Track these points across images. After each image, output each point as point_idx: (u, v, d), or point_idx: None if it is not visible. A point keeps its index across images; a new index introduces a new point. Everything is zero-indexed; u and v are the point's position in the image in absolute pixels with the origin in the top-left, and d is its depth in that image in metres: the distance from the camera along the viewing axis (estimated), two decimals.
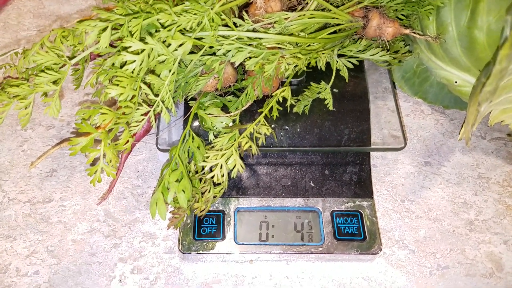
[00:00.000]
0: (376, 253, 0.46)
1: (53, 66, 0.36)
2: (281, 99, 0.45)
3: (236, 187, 0.49)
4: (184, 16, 0.37)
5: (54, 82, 0.36)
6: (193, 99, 0.47)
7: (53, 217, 0.49)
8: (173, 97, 0.43)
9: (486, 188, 0.54)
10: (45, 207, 0.49)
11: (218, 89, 0.45)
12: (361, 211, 0.48)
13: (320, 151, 0.49)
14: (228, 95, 0.48)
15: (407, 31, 0.48)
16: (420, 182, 0.54)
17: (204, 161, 0.40)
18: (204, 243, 0.45)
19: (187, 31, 0.40)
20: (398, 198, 0.53)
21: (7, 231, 0.47)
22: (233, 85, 0.47)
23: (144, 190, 0.51)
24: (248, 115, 0.49)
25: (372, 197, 0.49)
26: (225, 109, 0.47)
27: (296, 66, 0.44)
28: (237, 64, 0.42)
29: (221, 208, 0.47)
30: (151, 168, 0.53)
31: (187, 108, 0.48)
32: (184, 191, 0.37)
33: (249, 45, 0.42)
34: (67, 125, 0.56)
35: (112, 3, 0.39)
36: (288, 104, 0.45)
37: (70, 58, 0.40)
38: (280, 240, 0.46)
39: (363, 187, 0.50)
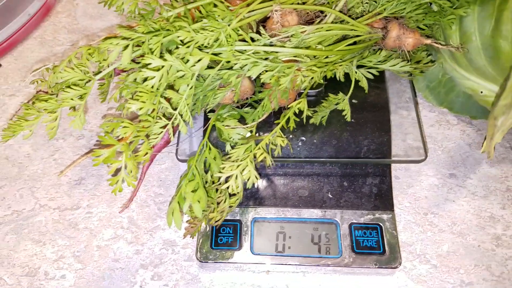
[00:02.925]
0: (395, 267, 0.45)
1: (79, 82, 0.38)
2: (297, 111, 0.46)
3: (253, 197, 0.49)
4: (201, 33, 0.38)
5: (80, 97, 0.38)
6: (212, 111, 0.48)
7: (80, 223, 0.51)
8: (192, 110, 0.45)
9: None
10: (73, 214, 0.52)
11: (235, 101, 0.46)
12: (381, 224, 0.48)
13: (338, 162, 0.49)
14: (245, 107, 0.49)
15: (428, 41, 0.47)
16: (444, 194, 0.53)
17: (219, 171, 0.41)
18: (222, 252, 0.46)
19: (205, 47, 0.41)
20: (420, 211, 0.52)
21: (37, 236, 0.50)
22: (251, 97, 0.48)
23: (165, 198, 0.53)
24: (265, 126, 0.49)
25: (393, 210, 0.49)
26: (242, 120, 0.48)
27: (312, 78, 0.44)
28: (253, 77, 0.43)
29: (238, 218, 0.48)
30: (172, 177, 0.55)
31: (206, 119, 0.49)
32: (199, 201, 0.38)
33: (266, 59, 0.43)
34: (96, 135, 0.59)
35: (135, 22, 0.41)
36: (304, 115, 0.46)
37: (96, 74, 0.42)
38: (297, 252, 0.46)
39: (383, 199, 0.49)
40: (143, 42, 0.37)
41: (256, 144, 0.45)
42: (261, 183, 0.50)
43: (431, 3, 0.49)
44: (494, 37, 0.45)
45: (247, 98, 0.48)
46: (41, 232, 0.50)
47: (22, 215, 0.52)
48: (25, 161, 0.56)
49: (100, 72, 0.41)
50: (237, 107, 0.49)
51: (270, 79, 0.43)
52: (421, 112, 0.60)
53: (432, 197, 0.53)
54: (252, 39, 0.43)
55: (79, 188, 0.54)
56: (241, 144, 0.45)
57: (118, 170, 0.39)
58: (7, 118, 0.61)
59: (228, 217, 0.48)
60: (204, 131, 0.47)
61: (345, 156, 0.48)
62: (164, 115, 0.39)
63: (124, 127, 0.36)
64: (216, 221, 0.42)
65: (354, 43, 0.47)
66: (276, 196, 0.49)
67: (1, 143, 0.40)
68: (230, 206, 0.43)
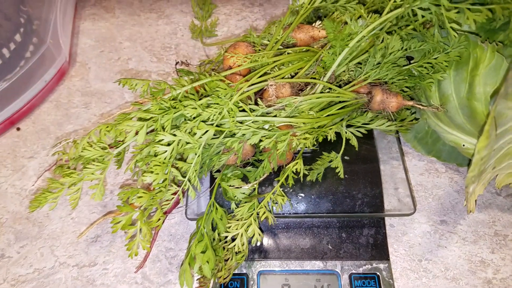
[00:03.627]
0: None
1: (99, 158, 0.43)
2: (295, 170, 0.50)
3: (258, 250, 0.53)
4: (206, 111, 0.43)
5: (100, 172, 0.43)
6: (218, 171, 0.53)
7: (97, 279, 0.55)
8: (199, 173, 0.49)
9: (503, 246, 0.55)
10: (91, 270, 0.55)
11: (238, 163, 0.50)
12: (378, 274, 0.51)
13: (334, 217, 0.53)
14: (248, 166, 0.54)
15: (410, 103, 0.52)
16: (436, 241, 0.56)
17: (226, 231, 0.45)
18: None
19: (209, 119, 0.46)
20: (415, 257, 0.55)
21: None
22: (252, 157, 0.53)
23: (176, 253, 0.56)
24: (267, 183, 0.54)
25: (388, 259, 0.52)
26: (245, 178, 0.52)
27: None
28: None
29: (244, 271, 0.51)
30: (182, 231, 0.58)
31: (212, 179, 0.54)
32: (208, 262, 0.42)
33: (263, 127, 0.48)
34: (110, 193, 0.63)
35: (145, 98, 0.46)
36: (301, 175, 0.50)
37: (113, 146, 0.47)
38: None
39: (379, 249, 0.53)
40: (155, 121, 0.42)
41: (259, 202, 0.49)
42: (265, 237, 0.54)
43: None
44: (469, 99, 0.50)
45: (248, 159, 0.53)
46: None
47: (43, 273, 0.55)
48: (45, 220, 0.60)
49: (117, 146, 0.46)
50: (240, 166, 0.54)
51: (268, 145, 0.48)
52: (411, 161, 0.64)
53: (425, 243, 0.56)
54: (251, 110, 0.49)
55: (96, 245, 0.58)
56: (245, 202, 0.49)
57: (133, 236, 0.43)
58: (27, 180, 0.65)
59: (235, 271, 0.51)
60: (211, 192, 0.51)
61: (341, 210, 0.52)
62: (174, 182, 0.44)
63: (140, 196, 0.41)
64: (224, 278, 0.46)
65: (343, 107, 0.52)
66: (280, 248, 0.53)
67: (29, 211, 0.44)
68: (237, 263, 0.47)
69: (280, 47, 0.59)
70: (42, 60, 0.75)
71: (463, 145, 0.55)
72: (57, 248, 0.58)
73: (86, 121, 0.73)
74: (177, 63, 0.57)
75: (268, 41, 0.60)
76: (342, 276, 0.51)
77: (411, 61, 0.55)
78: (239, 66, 0.52)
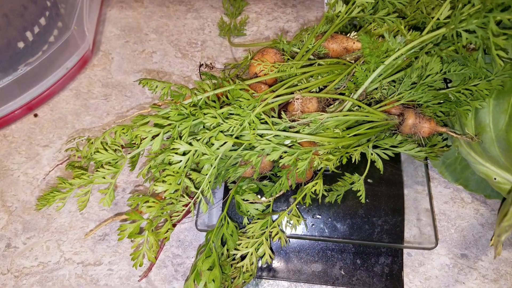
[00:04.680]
0: None
1: (111, 161, 0.41)
2: (313, 191, 0.48)
3: (267, 269, 0.51)
4: (226, 122, 0.41)
5: (112, 176, 0.41)
6: (233, 182, 0.51)
7: (101, 279, 0.54)
8: (213, 183, 0.47)
9: None
10: (95, 270, 0.54)
11: (254, 178, 0.48)
12: None
13: (350, 243, 0.51)
14: (265, 180, 0.51)
15: (443, 129, 0.49)
16: (454, 275, 0.53)
17: (235, 248, 0.43)
18: None
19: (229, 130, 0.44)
20: None
21: None
22: (269, 171, 0.51)
23: (183, 260, 0.55)
24: (282, 199, 0.51)
25: None
26: (261, 192, 0.50)
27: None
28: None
29: None
30: (191, 238, 0.57)
31: (226, 191, 0.52)
32: (214, 281, 0.40)
33: (284, 142, 0.46)
34: (122, 191, 0.62)
35: (166, 102, 0.44)
36: (319, 196, 0.48)
37: (127, 146, 0.45)
38: None
39: (394, 280, 0.50)
40: (172, 127, 0.41)
41: (273, 220, 0.47)
42: (275, 255, 0.52)
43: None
44: (507, 132, 0.47)
45: (266, 173, 0.50)
46: (64, 285, 0.53)
47: (47, 267, 0.55)
48: (54, 213, 0.60)
49: (132, 147, 0.44)
50: (257, 179, 0.51)
51: (288, 162, 0.45)
52: (436, 188, 0.61)
53: (443, 277, 0.53)
54: (274, 123, 0.46)
55: (103, 244, 0.57)
56: (258, 218, 0.47)
57: (140, 244, 0.41)
58: (40, 169, 0.64)
59: None
60: (224, 203, 0.49)
61: (358, 236, 0.49)
62: (186, 193, 0.42)
63: (149, 206, 0.39)
64: None
65: (371, 127, 0.50)
66: (290, 269, 0.51)
67: (36, 209, 0.43)
68: (244, 282, 0.45)
69: (311, 56, 0.56)
70: (65, 46, 0.74)
71: (495, 179, 0.52)
72: (64, 243, 0.57)
73: (105, 113, 0.72)
74: (201, 65, 0.55)
75: (299, 48, 0.57)
76: None
77: (449, 84, 0.52)
78: (265, 75, 0.50)
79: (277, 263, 0.51)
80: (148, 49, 0.83)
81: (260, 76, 0.51)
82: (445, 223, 0.58)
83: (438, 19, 0.48)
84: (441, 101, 0.50)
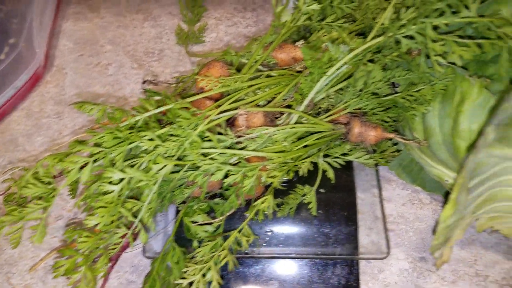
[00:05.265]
0: None
1: (43, 195, 0.40)
2: (263, 209, 0.47)
3: None
4: (163, 145, 0.40)
5: (43, 210, 0.40)
6: (183, 202, 0.50)
7: None
8: (160, 207, 0.46)
9: None
10: None
11: (202, 198, 0.47)
12: None
13: (303, 258, 0.50)
14: (217, 198, 0.50)
15: (391, 135, 0.49)
16: (414, 280, 0.53)
17: (182, 277, 0.42)
18: None
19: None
20: None
21: None
22: (220, 189, 0.49)
23: (137, 286, 0.53)
24: (237, 216, 0.50)
25: None
26: (212, 212, 0.49)
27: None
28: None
29: None
30: (146, 262, 0.55)
31: (177, 212, 0.50)
32: None
33: (231, 159, 0.45)
34: (73, 215, 0.60)
35: (103, 126, 0.42)
36: (269, 212, 0.47)
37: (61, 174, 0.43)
38: None
39: None
40: (104, 155, 0.39)
41: (224, 241, 0.46)
42: (230, 275, 0.50)
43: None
44: (453, 136, 0.46)
45: (215, 192, 0.49)
46: None
47: None
48: (3, 243, 0.57)
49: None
50: (208, 198, 0.50)
51: (236, 180, 0.44)
52: (394, 190, 0.61)
53: (402, 282, 0.53)
54: (219, 140, 0.45)
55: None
56: (208, 240, 0.46)
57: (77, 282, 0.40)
58: None
59: None
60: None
61: (310, 251, 0.49)
62: (124, 223, 0.41)
63: (82, 242, 0.38)
64: None
65: (320, 137, 0.49)
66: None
67: None
68: None
69: (260, 67, 0.55)
70: (14, 64, 0.71)
71: (447, 180, 0.52)
72: (14, 276, 0.55)
73: (57, 133, 0.70)
74: (144, 82, 0.53)
75: (247, 60, 0.56)
76: None
77: (397, 89, 0.52)
78: (209, 90, 0.49)
79: (232, 285, 0.50)
80: (104, 61, 0.81)
81: (205, 91, 0.49)
82: (403, 226, 0.58)
83: (382, 24, 0.47)
84: (388, 107, 0.50)
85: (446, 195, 0.58)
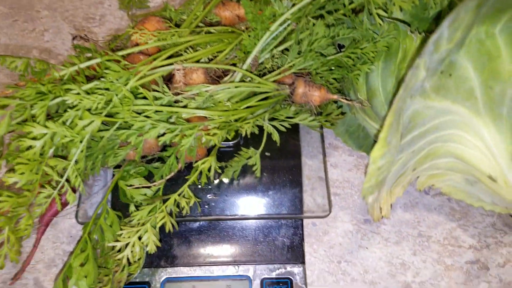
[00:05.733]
0: None
1: None
2: (204, 170, 0.45)
3: (164, 256, 0.48)
4: (88, 98, 0.37)
5: None
6: (118, 166, 0.47)
7: None
8: (91, 169, 0.43)
9: (425, 248, 0.53)
10: None
11: (137, 161, 0.44)
12: (291, 278, 0.48)
13: (247, 219, 0.49)
14: (155, 161, 0.48)
15: (334, 96, 0.48)
16: (358, 241, 0.54)
17: (116, 240, 0.39)
18: None
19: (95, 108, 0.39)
20: (334, 259, 0.52)
21: None
22: (159, 152, 0.47)
23: None
24: (179, 181, 0.48)
25: (304, 262, 0.49)
26: (151, 176, 0.47)
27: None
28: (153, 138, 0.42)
29: (147, 280, 0.46)
30: None
31: (112, 176, 0.47)
32: (86, 277, 0.36)
33: (169, 118, 0.42)
34: None
35: (23, 82, 0.39)
36: (211, 173, 0.45)
37: None
38: None
39: (295, 251, 0.49)
40: (23, 109, 0.35)
41: (164, 203, 0.43)
42: (174, 241, 0.48)
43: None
44: (395, 95, 0.46)
45: (154, 154, 0.47)
46: None
47: None
48: None
49: None
50: (146, 161, 0.47)
51: (173, 140, 0.42)
52: (341, 156, 0.61)
53: (347, 244, 0.53)
54: (155, 98, 0.42)
55: None
56: (146, 204, 0.43)
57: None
58: None
59: (137, 279, 0.46)
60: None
61: (256, 212, 0.48)
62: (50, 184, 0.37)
63: (2, 200, 0.34)
64: None
65: (266, 98, 0.47)
66: (189, 254, 0.48)
67: None
68: (130, 274, 0.42)
69: (202, 24, 0.52)
70: None
71: None
72: None
73: None
74: (74, 37, 0.49)
75: (188, 17, 0.53)
76: (253, 281, 0.47)
77: (342, 50, 0.51)
78: (144, 44, 0.45)
79: (175, 250, 0.48)
80: (39, 28, 0.75)
81: (140, 45, 0.46)
82: (349, 190, 0.58)
83: None
84: (332, 68, 0.49)
85: None
